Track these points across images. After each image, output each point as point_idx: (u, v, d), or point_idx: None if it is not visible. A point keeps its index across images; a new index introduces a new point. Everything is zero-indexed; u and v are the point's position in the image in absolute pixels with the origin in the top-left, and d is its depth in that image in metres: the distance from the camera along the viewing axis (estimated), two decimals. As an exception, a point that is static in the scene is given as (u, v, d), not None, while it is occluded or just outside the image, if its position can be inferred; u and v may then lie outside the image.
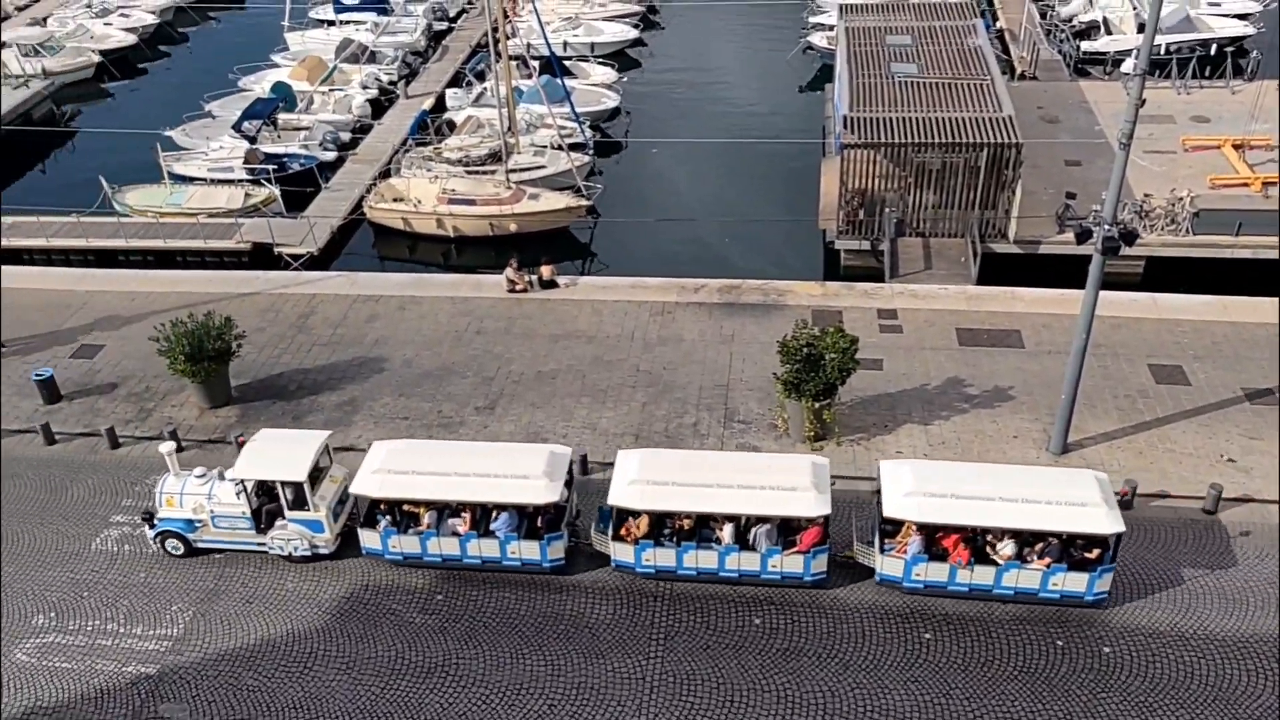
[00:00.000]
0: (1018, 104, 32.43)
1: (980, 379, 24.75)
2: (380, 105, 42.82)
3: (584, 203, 34.38)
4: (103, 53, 47.92)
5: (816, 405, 22.12)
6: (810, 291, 28.56)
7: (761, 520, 18.96)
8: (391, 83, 44.16)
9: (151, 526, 20.75)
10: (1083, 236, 19.34)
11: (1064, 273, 28.11)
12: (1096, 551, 18.20)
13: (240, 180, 36.08)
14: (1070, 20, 48.25)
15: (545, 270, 29.42)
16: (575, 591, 19.68)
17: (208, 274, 31.31)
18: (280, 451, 20.30)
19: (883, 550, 18.91)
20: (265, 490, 20.28)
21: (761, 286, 28.77)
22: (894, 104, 31.91)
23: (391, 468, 19.63)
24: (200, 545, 20.75)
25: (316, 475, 20.30)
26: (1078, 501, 17.98)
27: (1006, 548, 18.47)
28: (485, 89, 41.34)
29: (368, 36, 46.99)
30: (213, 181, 36.28)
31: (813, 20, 50.17)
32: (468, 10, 53.40)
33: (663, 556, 19.26)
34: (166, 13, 53.02)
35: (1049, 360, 25.15)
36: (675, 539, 19.24)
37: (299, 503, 20.01)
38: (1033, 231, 30.69)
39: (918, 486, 18.41)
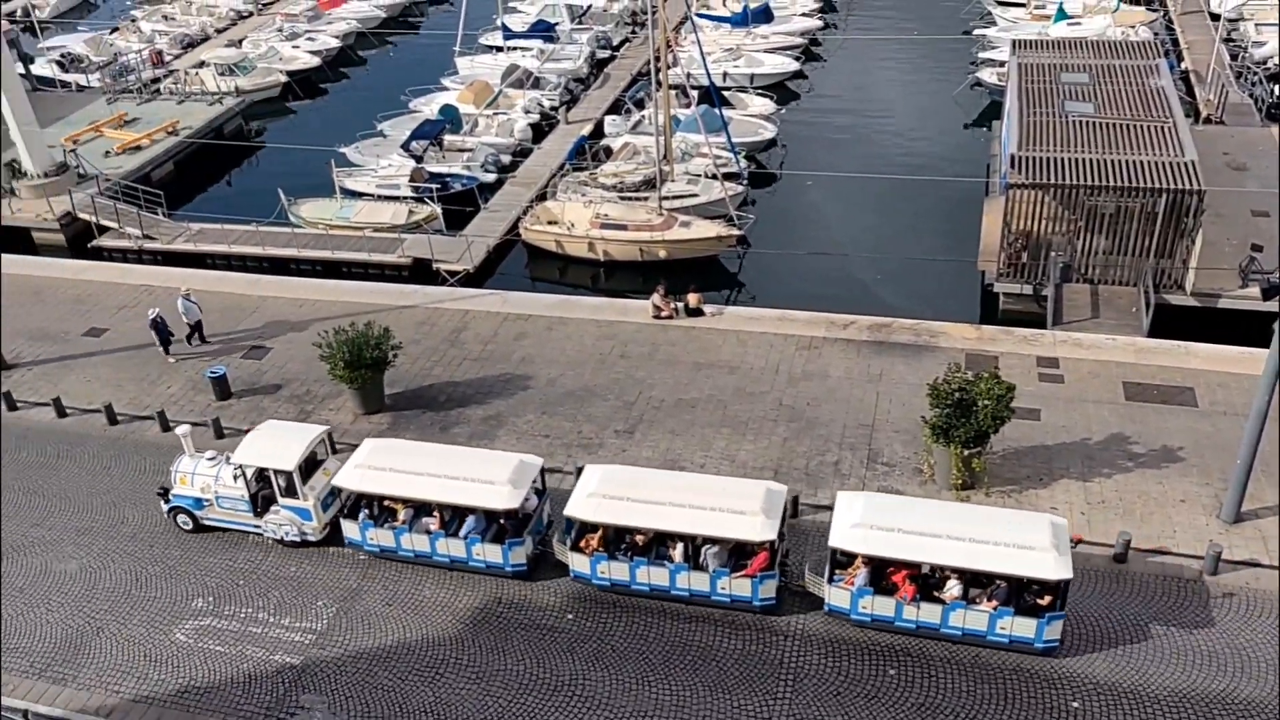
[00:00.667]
0: (1202, 149, 30.68)
1: (1147, 437, 23.34)
2: (541, 130, 43.94)
3: (735, 232, 34.31)
4: (289, 73, 50.85)
5: (966, 453, 21.30)
6: (965, 334, 27.63)
7: (711, 541, 19.13)
8: (553, 108, 45.27)
9: (166, 501, 22.33)
10: (1270, 292, 18.12)
11: (1245, 329, 26.34)
12: (1048, 598, 17.65)
13: (405, 197, 37.56)
14: (1264, 62, 45.47)
15: (692, 298, 29.43)
16: (706, 623, 19.45)
17: (370, 285, 32.63)
18: (277, 442, 21.58)
19: (831, 581, 18.80)
20: (263, 477, 21.43)
21: (913, 326, 28.00)
22: (1066, 144, 30.66)
23: (373, 464, 20.44)
24: (206, 522, 22.19)
25: (310, 467, 21.60)
26: (1026, 545, 17.55)
27: (953, 588, 18.15)
28: (643, 116, 41.89)
29: (533, 63, 48.37)
30: (380, 198, 37.89)
31: (982, 55, 48.92)
32: (630, 39, 54.36)
33: (617, 570, 19.72)
34: (349, 37, 55.93)
35: (1224, 421, 23.52)
36: (629, 554, 19.63)
37: (290, 491, 21.29)
38: (1212, 284, 28.90)
39: (866, 519, 18.40)
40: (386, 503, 21.02)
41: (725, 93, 43.99)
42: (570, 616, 19.85)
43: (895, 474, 22.71)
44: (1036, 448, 23.17)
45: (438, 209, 36.52)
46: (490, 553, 20.40)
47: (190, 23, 58.11)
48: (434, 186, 37.33)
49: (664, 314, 29.12)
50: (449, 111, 42.81)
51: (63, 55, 51.95)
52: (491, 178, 39.34)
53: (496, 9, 53.31)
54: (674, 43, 45.15)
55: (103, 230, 36.70)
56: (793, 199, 39.55)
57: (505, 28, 51.61)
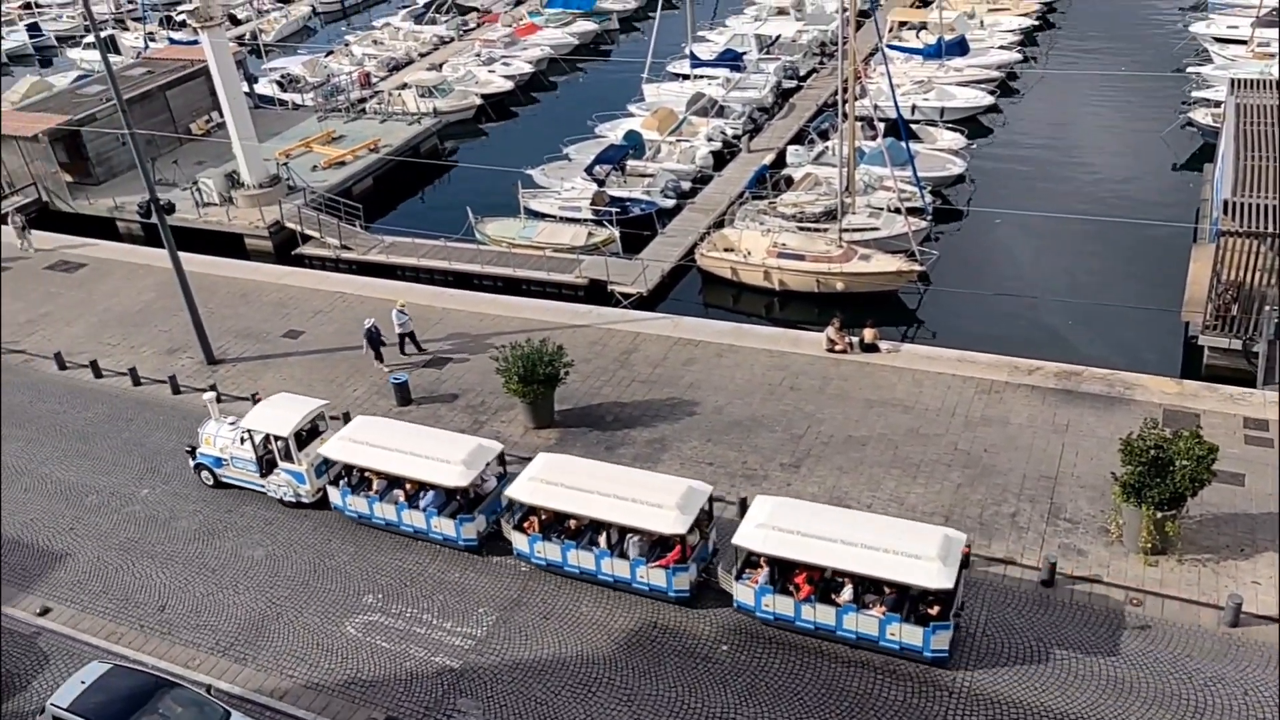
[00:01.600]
0: None
1: (1370, 513, 21.16)
2: (722, 157, 44.07)
3: (916, 268, 33.34)
4: (484, 96, 52.97)
5: (1159, 515, 19.84)
6: (1164, 388, 25.82)
7: (631, 531, 20.33)
8: (736, 136, 45.36)
9: (193, 458, 25.46)
10: None
11: None
12: (937, 608, 18.17)
13: (586, 220, 38.35)
14: None
15: (868, 333, 28.73)
16: (867, 669, 18.79)
17: (546, 303, 33.43)
18: (280, 411, 24.37)
19: (739, 578, 19.66)
20: (267, 441, 23.88)
21: (1106, 376, 26.39)
22: (1287, 190, 28.36)
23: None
24: (224, 480, 25.24)
25: (308, 436, 24.17)
26: (914, 554, 18.15)
27: (846, 591, 18.88)
28: (827, 147, 41.38)
29: (719, 91, 48.64)
30: (561, 219, 38.83)
31: (1196, 94, 45.98)
32: (818, 70, 53.93)
33: (550, 551, 21.29)
34: (541, 63, 57.85)
35: None
36: (561, 537, 21.13)
37: (286, 455, 23.89)
38: None
39: (770, 521, 19.38)
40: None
41: (913, 126, 42.95)
42: (725, 648, 19.58)
43: (1078, 532, 21.38)
44: (1239, 515, 21.36)
45: (616, 232, 37.11)
46: (446, 526, 22.35)
47: (397, 47, 61.44)
48: (614, 210, 37.96)
49: (838, 348, 28.55)
50: (633, 137, 43.54)
51: (282, 76, 55.87)
52: (671, 203, 39.71)
53: (685, 38, 54.00)
54: (862, 74, 44.53)
55: (306, 239, 39.08)
56: (979, 236, 38.13)
57: (693, 56, 52.19)
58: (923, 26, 54.98)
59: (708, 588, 20.76)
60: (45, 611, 22.16)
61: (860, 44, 42.06)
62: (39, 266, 38.28)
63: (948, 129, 44.51)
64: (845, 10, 35.14)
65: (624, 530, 20.69)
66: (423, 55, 60.73)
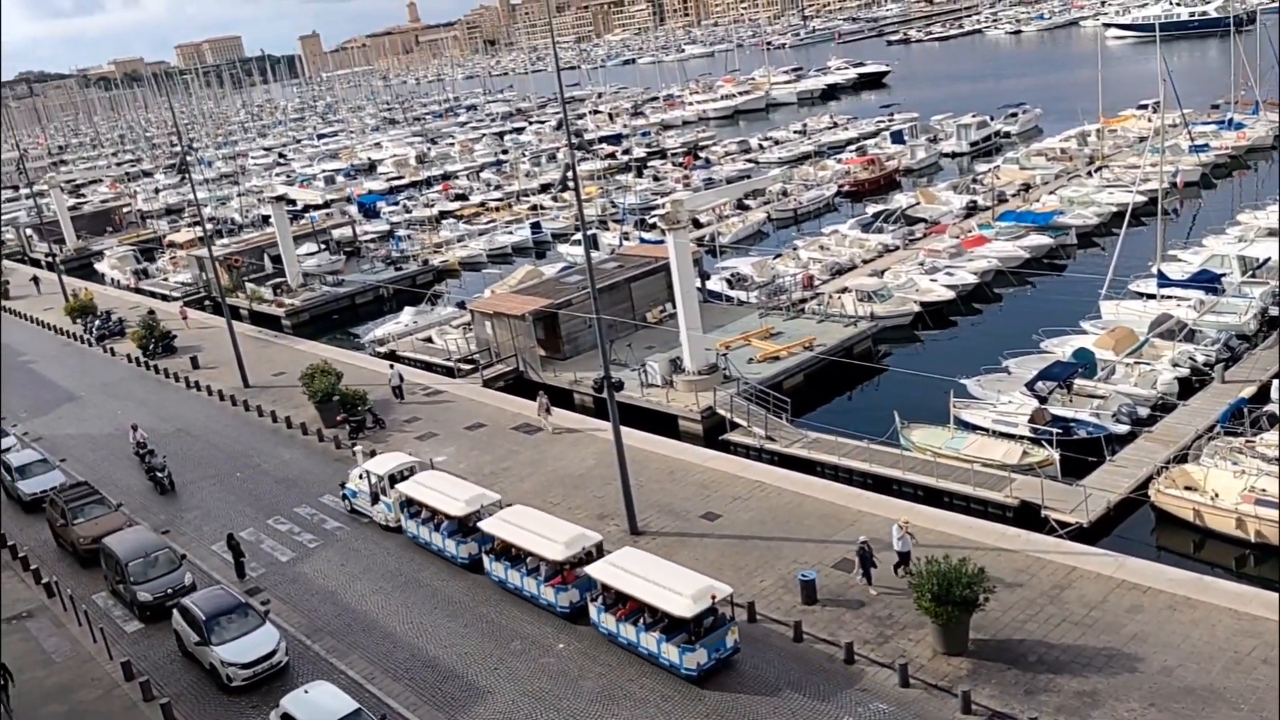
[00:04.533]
0: None
1: None
2: (1189, 385, 39.62)
3: None
4: (923, 304, 52.79)
5: None
6: None
7: (532, 556, 28.70)
8: (1207, 364, 40.70)
9: (342, 488, 37.16)
10: None
11: None
12: (690, 636, 24.37)
13: (1022, 437, 36.02)
14: None
15: (1377, 611, 23.47)
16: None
17: (969, 520, 31.41)
18: (383, 461, 36.11)
19: (591, 601, 27.14)
20: (378, 480, 35.14)
21: None
22: None
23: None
24: (354, 507, 36.58)
25: (399, 478, 34.75)
26: (677, 591, 24.55)
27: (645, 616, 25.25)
28: (1325, 385, 35.68)
29: (1188, 314, 44.36)
30: (995, 433, 36.81)
31: None
32: (1315, 298, 47.39)
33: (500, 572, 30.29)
34: (987, 275, 56.73)
35: None
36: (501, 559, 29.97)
37: (383, 493, 34.93)
38: None
39: (612, 560, 27.12)
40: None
41: None
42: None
43: None
44: None
45: (1055, 454, 34.33)
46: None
47: (842, 253, 63.73)
48: (1055, 430, 35.31)
49: (1332, 622, 23.59)
50: (1083, 355, 40.73)
51: (732, 274, 60.03)
52: (1123, 429, 36.14)
53: (1154, 256, 50.37)
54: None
55: (734, 426, 40.56)
56: None
57: (1161, 275, 48.32)
58: None
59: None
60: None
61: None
62: (507, 426, 43.33)
63: None
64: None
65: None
66: (866, 261, 62.31)
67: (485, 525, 30.57)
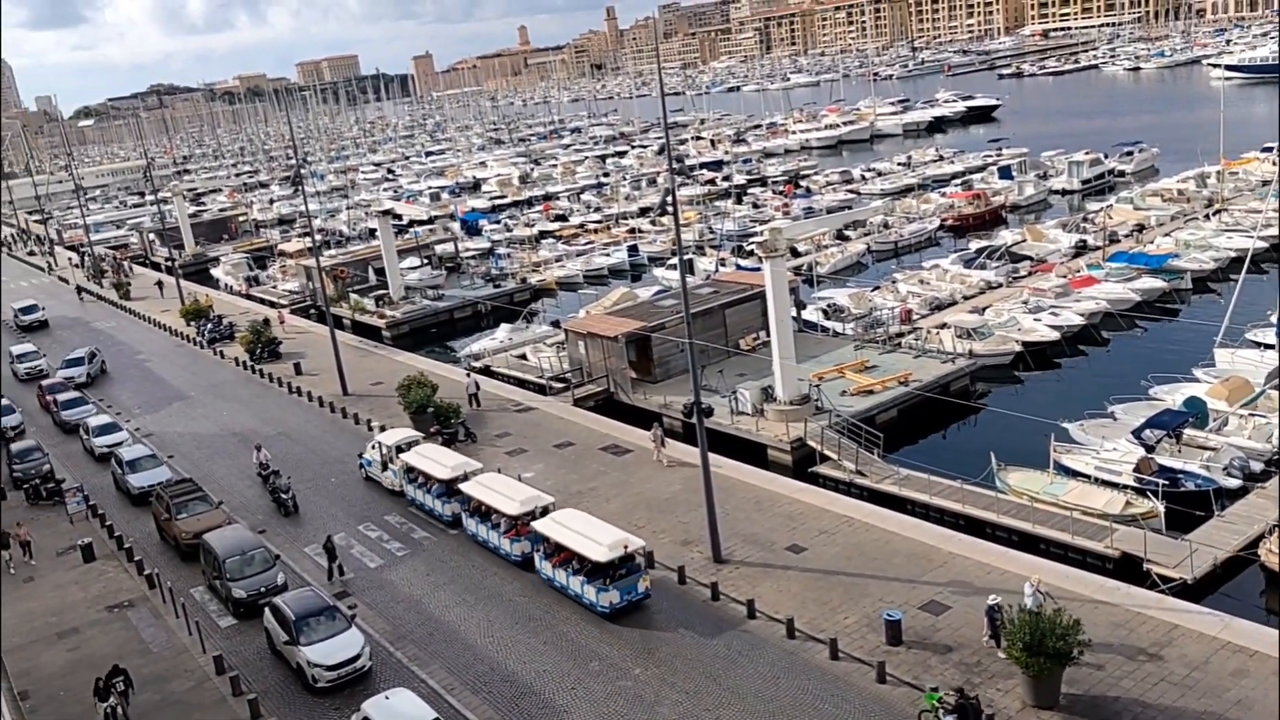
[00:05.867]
0: None
1: None
2: (1310, 441, 37.65)
3: None
4: (1025, 343, 51.36)
5: None
6: None
7: (495, 512, 34.38)
8: (1327, 419, 38.67)
9: (360, 458, 43.17)
10: None
11: None
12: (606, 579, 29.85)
13: (1125, 486, 34.71)
14: None
15: None
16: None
17: (1066, 570, 30.31)
18: (393, 434, 42.08)
19: (535, 551, 32.75)
20: (387, 450, 41.06)
21: None
22: None
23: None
24: (368, 475, 42.64)
25: (405, 449, 40.50)
26: (598, 541, 29.88)
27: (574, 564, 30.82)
28: None
29: (1309, 366, 42.24)
30: (1097, 481, 35.55)
31: None
32: None
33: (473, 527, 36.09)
34: (1095, 316, 54.96)
35: None
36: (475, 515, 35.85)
37: (391, 461, 40.90)
38: None
39: (554, 518, 32.39)
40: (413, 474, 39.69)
41: None
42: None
43: None
44: None
45: (1160, 506, 32.96)
46: None
47: (942, 288, 62.52)
48: (1161, 481, 33.92)
49: None
50: (1194, 404, 39.09)
51: (828, 305, 59.43)
52: (1234, 484, 34.53)
53: (1275, 303, 48.16)
54: None
55: (823, 459, 40.02)
56: None
57: (1280, 324, 46.18)
58: None
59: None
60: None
61: None
62: (595, 447, 43.57)
63: None
64: None
65: None
66: (967, 298, 61.01)
67: (465, 487, 36.20)
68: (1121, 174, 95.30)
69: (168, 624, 32.94)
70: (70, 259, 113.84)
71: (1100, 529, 32.25)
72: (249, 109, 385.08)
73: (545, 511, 33.60)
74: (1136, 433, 37.29)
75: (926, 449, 42.50)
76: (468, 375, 53.44)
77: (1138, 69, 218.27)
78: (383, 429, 44.80)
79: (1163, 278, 59.18)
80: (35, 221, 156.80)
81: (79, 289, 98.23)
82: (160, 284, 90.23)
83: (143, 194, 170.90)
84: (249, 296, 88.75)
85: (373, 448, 42.53)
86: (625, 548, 29.66)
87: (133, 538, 39.62)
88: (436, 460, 38.66)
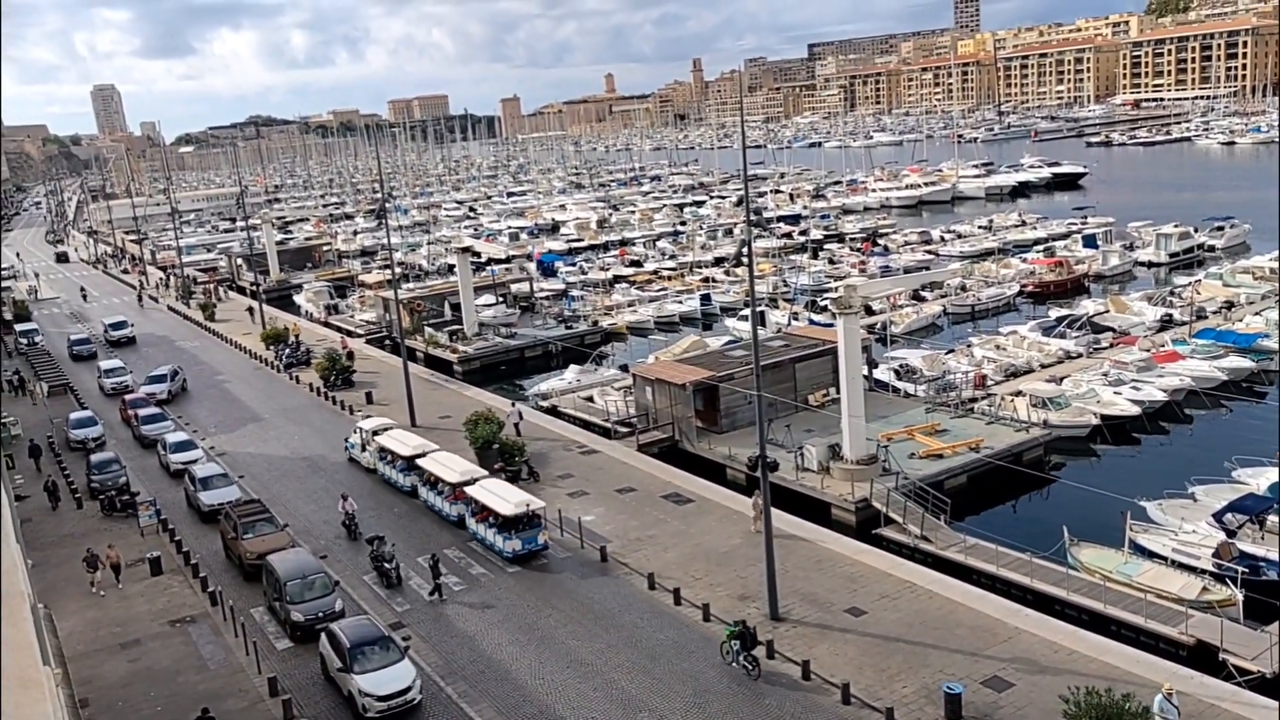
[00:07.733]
0: None
1: None
2: (1403, 537, 35.86)
3: None
4: (1103, 416, 50.01)
5: None
6: None
7: (441, 481, 42.13)
8: None
9: (345, 442, 50.31)
10: None
11: None
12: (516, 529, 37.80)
13: (1203, 571, 33.40)
14: None
15: None
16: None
17: (1137, 654, 29.18)
18: (370, 421, 49.67)
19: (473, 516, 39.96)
20: (365, 434, 48.71)
21: None
22: None
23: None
24: (351, 457, 49.99)
25: (379, 433, 47.76)
26: (505, 498, 38.09)
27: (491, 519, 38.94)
28: None
29: (1407, 457, 40.35)
30: (1173, 564, 34.28)
31: None
32: None
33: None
34: (1179, 393, 53.25)
35: None
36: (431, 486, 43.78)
37: (368, 444, 48.36)
38: None
39: (485, 486, 39.76)
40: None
41: None
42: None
43: None
44: None
45: (1239, 594, 31.65)
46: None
47: (1019, 355, 61.32)
48: (1242, 569, 32.57)
49: None
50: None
51: (901, 365, 58.64)
52: (1320, 576, 33.02)
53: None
54: None
55: (888, 521, 39.27)
56: None
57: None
58: None
59: None
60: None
61: None
62: (657, 494, 43.39)
63: None
64: None
65: None
66: (1044, 366, 59.71)
67: (422, 462, 43.45)
68: (1211, 249, 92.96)
69: (226, 642, 33.43)
70: (159, 279, 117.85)
71: (1175, 614, 31.02)
72: (340, 143, 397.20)
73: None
74: (1217, 516, 35.96)
75: (995, 519, 41.47)
76: (512, 405, 54.26)
77: (1232, 143, 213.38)
78: (367, 417, 53.07)
79: (1251, 357, 57.26)
80: (132, 241, 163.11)
81: (139, 296, 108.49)
82: (251, 310, 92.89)
83: (234, 220, 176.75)
84: (327, 324, 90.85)
85: (355, 432, 50.18)
86: (527, 506, 37.39)
87: (199, 554, 40.43)
88: (401, 440, 46.33)
